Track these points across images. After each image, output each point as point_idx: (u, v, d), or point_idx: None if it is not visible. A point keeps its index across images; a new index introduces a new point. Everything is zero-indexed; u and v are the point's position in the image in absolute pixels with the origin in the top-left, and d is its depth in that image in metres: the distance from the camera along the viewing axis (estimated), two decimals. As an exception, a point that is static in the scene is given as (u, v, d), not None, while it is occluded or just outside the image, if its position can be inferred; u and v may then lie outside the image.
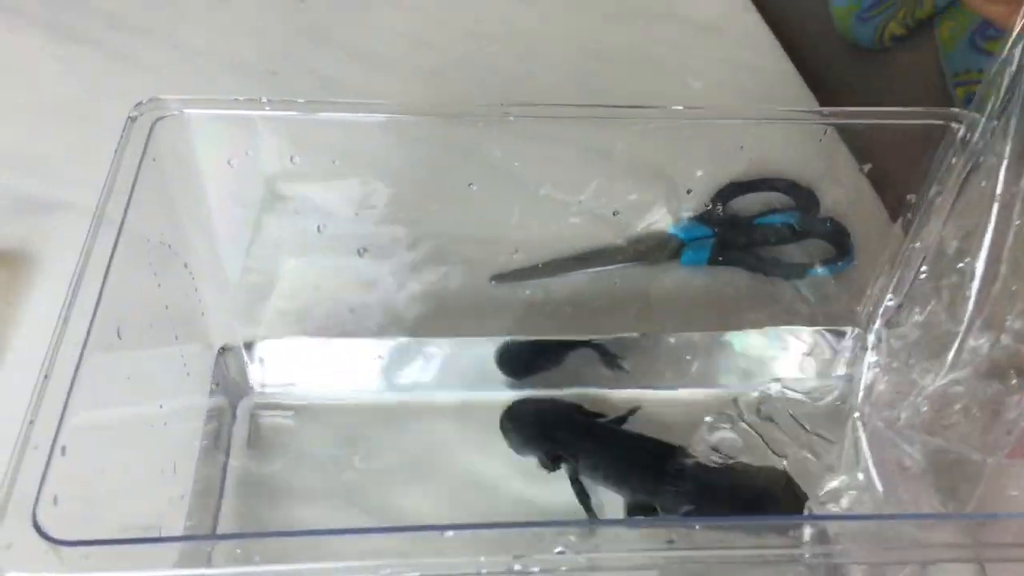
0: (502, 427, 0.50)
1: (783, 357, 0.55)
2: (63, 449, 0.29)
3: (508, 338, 0.54)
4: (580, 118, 0.45)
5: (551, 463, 0.49)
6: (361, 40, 0.80)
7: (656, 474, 0.47)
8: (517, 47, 0.80)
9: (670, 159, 0.52)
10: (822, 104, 0.78)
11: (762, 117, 0.45)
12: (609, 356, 0.54)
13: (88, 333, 0.32)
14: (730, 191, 0.64)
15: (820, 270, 0.60)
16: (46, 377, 0.31)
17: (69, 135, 0.66)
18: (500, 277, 0.56)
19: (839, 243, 0.63)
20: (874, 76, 0.88)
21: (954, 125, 0.45)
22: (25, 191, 0.62)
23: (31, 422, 0.29)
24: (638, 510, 0.47)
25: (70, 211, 0.60)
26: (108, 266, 0.34)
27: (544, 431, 0.50)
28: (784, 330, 0.55)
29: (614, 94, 0.76)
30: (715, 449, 0.49)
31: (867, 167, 0.48)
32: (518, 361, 0.54)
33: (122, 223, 0.36)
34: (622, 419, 0.52)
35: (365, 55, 0.78)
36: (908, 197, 0.47)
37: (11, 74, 0.72)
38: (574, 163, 0.51)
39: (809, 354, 0.55)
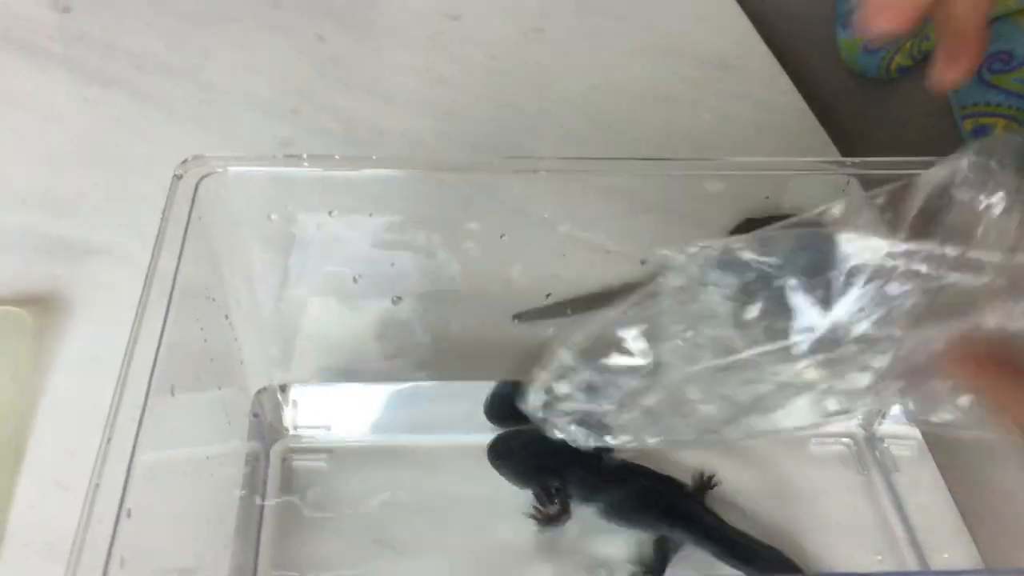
0: (492, 464, 0.51)
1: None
2: (129, 512, 0.30)
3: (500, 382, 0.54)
4: (608, 172, 0.46)
5: (547, 497, 0.49)
6: (380, 77, 0.81)
7: (667, 509, 0.48)
8: (532, 83, 0.82)
9: (694, 204, 0.53)
10: (832, 136, 0.79)
11: (788, 169, 0.47)
12: None
13: (147, 394, 0.33)
14: (746, 228, 0.66)
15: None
16: (108, 440, 0.32)
17: (98, 176, 0.67)
18: (522, 316, 0.57)
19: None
20: (882, 107, 0.89)
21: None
22: (56, 233, 0.63)
23: (97, 485, 0.31)
24: (664, 545, 0.49)
25: (101, 253, 0.62)
26: (163, 327, 0.35)
27: (534, 463, 0.50)
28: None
29: (628, 129, 0.78)
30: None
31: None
32: (508, 407, 0.54)
33: (174, 282, 0.37)
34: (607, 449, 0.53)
35: (384, 92, 0.79)
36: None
37: (40, 115, 0.73)
38: (598, 204, 0.53)
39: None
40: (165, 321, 0.36)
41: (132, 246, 0.62)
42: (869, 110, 0.89)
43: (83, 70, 0.78)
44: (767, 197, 0.49)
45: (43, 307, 0.58)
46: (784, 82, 0.84)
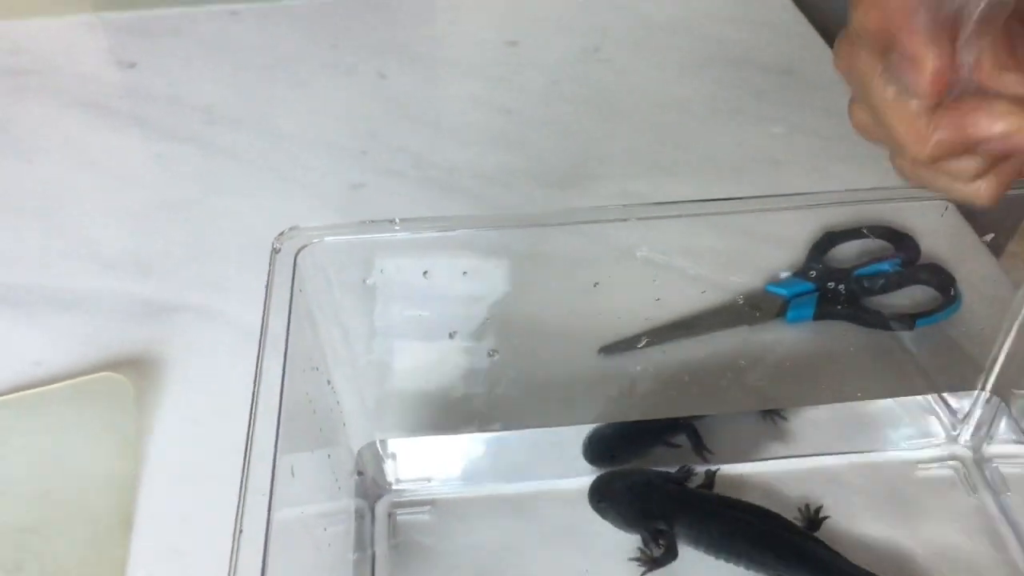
0: (595, 508, 0.50)
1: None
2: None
3: (597, 424, 0.54)
4: (697, 215, 0.46)
5: (653, 540, 0.49)
6: (443, 112, 0.81)
7: (780, 548, 0.47)
8: (595, 106, 0.82)
9: (776, 226, 0.53)
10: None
11: (881, 199, 0.46)
12: (698, 441, 0.54)
13: (271, 486, 0.33)
14: (827, 241, 0.65)
15: (928, 319, 0.60)
16: (241, 532, 0.32)
17: (178, 234, 0.69)
18: (607, 349, 0.57)
19: (944, 289, 0.63)
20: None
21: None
22: (144, 294, 0.64)
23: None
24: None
25: (190, 312, 0.63)
26: (279, 407, 0.36)
27: (641, 507, 0.50)
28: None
29: (697, 146, 0.77)
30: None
31: (989, 237, 0.49)
32: (606, 449, 0.54)
33: (284, 358, 0.38)
34: (711, 483, 0.52)
35: (448, 127, 0.80)
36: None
37: (115, 175, 0.75)
38: (676, 230, 0.52)
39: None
40: (281, 398, 0.36)
41: (220, 303, 0.63)
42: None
43: (153, 126, 0.79)
44: (865, 231, 0.49)
45: (138, 370, 0.59)
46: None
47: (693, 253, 0.56)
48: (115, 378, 0.57)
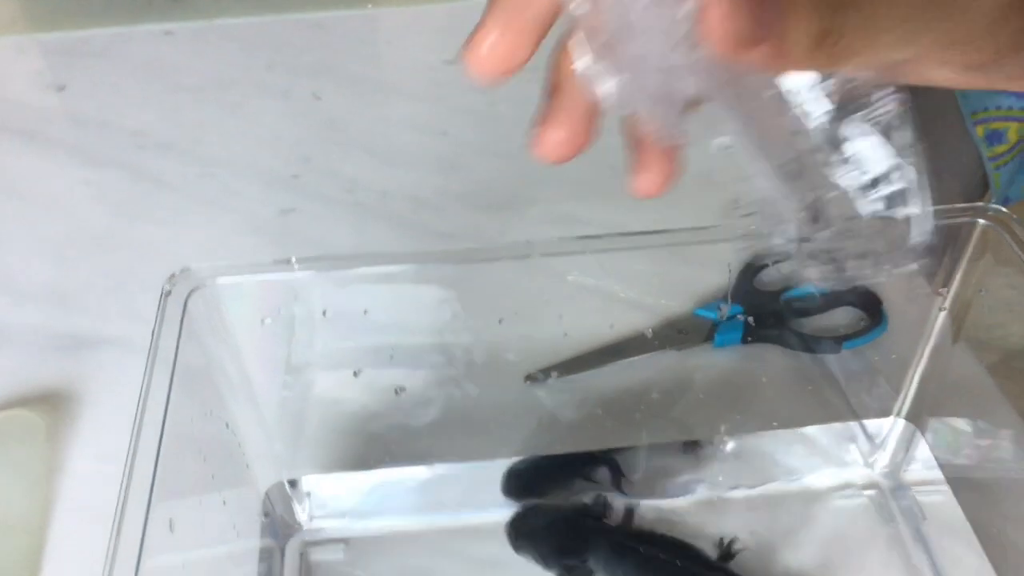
0: (513, 545, 0.50)
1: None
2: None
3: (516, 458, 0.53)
4: (613, 250, 0.45)
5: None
6: (378, 135, 0.81)
7: None
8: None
9: (711, 256, 0.52)
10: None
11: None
12: (618, 474, 0.54)
13: (143, 532, 0.33)
14: (754, 267, 0.65)
15: (855, 341, 0.60)
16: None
17: (103, 266, 0.67)
18: (532, 377, 0.56)
19: (870, 310, 0.63)
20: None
21: (981, 222, 0.45)
22: (62, 327, 0.63)
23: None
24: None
25: (108, 346, 0.61)
26: (157, 457, 0.35)
27: (557, 543, 0.49)
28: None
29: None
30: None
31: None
32: (524, 483, 0.53)
33: (167, 404, 0.37)
34: (629, 517, 0.52)
35: (383, 150, 0.79)
36: (940, 291, 0.48)
37: (38, 203, 0.73)
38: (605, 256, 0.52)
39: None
40: (160, 446, 0.35)
41: (141, 336, 0.60)
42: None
43: (82, 152, 0.78)
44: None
45: (52, 406, 0.58)
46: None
47: (623, 277, 0.55)
48: (26, 415, 0.56)
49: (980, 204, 0.45)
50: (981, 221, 0.45)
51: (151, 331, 0.40)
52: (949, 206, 0.46)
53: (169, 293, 0.41)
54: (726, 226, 0.47)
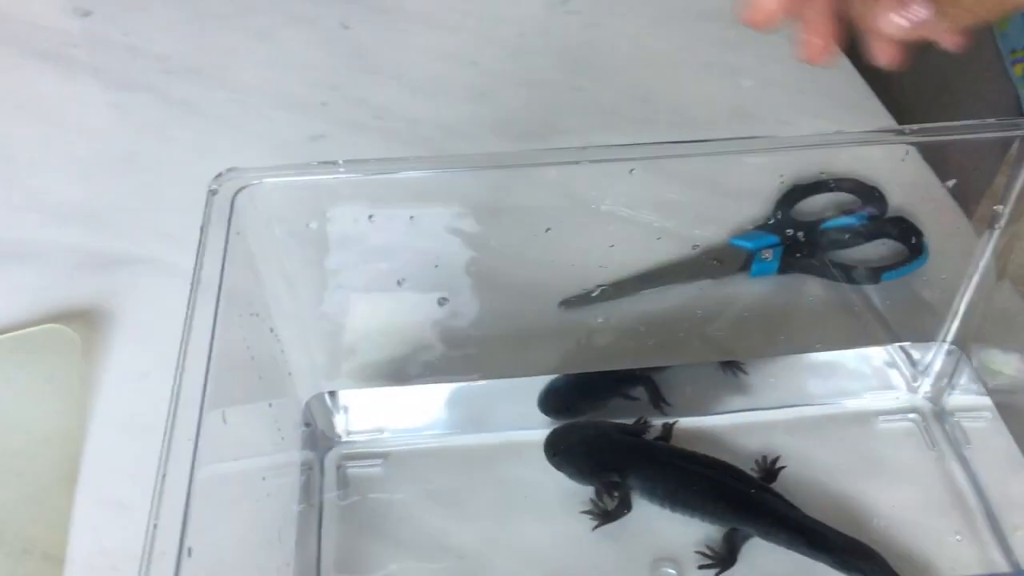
0: (551, 461, 0.49)
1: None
2: (189, 551, 0.29)
3: (554, 376, 0.53)
4: (650, 157, 0.44)
5: (607, 493, 0.48)
6: (407, 64, 0.80)
7: (734, 500, 0.47)
8: (563, 59, 0.80)
9: (741, 178, 0.52)
10: (878, 93, 0.76)
11: (842, 143, 0.45)
12: (656, 393, 0.53)
13: (198, 428, 0.32)
14: (794, 195, 0.64)
15: (894, 272, 0.59)
16: (163, 477, 0.31)
17: (133, 186, 0.67)
18: (568, 303, 0.56)
19: (910, 242, 0.62)
20: (928, 59, 0.86)
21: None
22: (94, 246, 0.63)
23: (155, 526, 0.30)
24: (733, 536, 0.47)
25: (141, 264, 0.61)
26: (209, 351, 0.35)
27: (595, 459, 0.49)
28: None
29: (666, 100, 0.76)
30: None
31: (951, 183, 0.48)
32: (562, 401, 0.53)
33: (216, 305, 0.36)
34: (667, 436, 0.51)
35: (412, 79, 0.78)
36: (995, 208, 0.47)
37: (69, 126, 0.73)
38: (643, 184, 0.51)
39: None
40: (211, 345, 0.35)
41: (172, 255, 0.61)
42: (915, 62, 0.86)
43: (108, 76, 0.77)
44: (822, 173, 0.47)
45: (87, 323, 0.58)
46: (824, 39, 0.81)
47: (658, 206, 0.54)
48: (61, 330, 0.56)
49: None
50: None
51: (199, 229, 0.39)
52: (997, 119, 0.45)
53: (216, 192, 0.40)
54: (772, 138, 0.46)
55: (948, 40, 0.37)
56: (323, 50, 0.80)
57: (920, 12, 0.35)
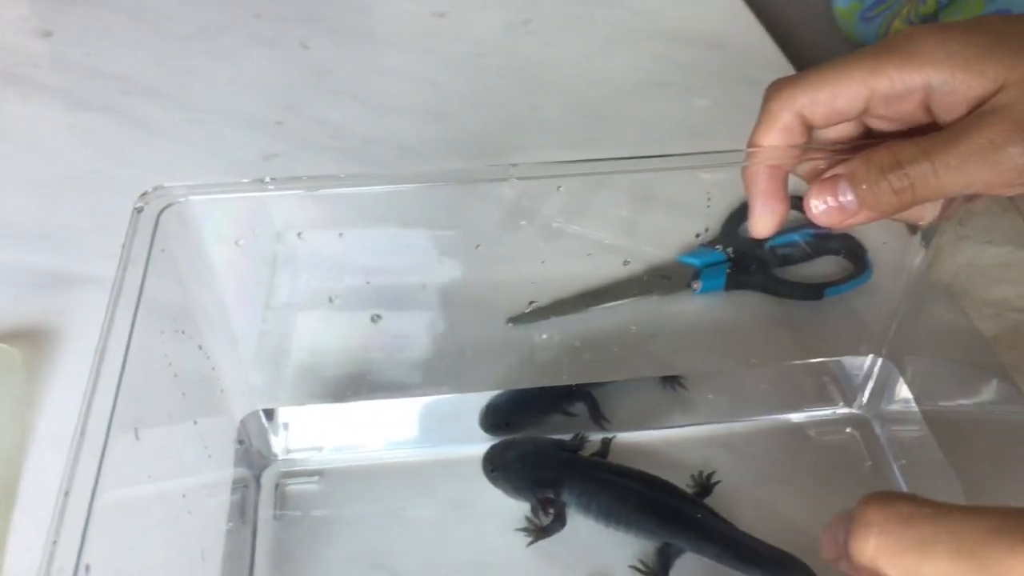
0: (488, 477, 0.49)
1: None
2: (87, 568, 0.30)
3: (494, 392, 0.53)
4: (588, 174, 0.45)
5: (543, 509, 0.48)
6: (366, 83, 0.80)
7: (667, 515, 0.47)
8: (522, 78, 0.81)
9: (688, 193, 0.52)
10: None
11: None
12: (595, 408, 0.54)
13: (105, 444, 0.32)
14: (741, 213, 0.64)
15: (837, 288, 0.60)
16: (66, 494, 0.31)
17: (87, 206, 0.67)
18: (516, 319, 0.56)
19: (855, 258, 0.63)
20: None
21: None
22: (45, 265, 0.63)
23: (54, 543, 0.30)
24: (666, 551, 0.47)
25: (90, 284, 0.61)
26: (122, 369, 0.35)
27: (531, 475, 0.49)
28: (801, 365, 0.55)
29: (621, 119, 0.76)
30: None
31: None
32: (501, 417, 0.53)
33: (133, 321, 0.36)
34: (605, 451, 0.52)
35: (371, 98, 0.78)
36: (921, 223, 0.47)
37: (27, 145, 0.73)
38: (583, 197, 0.51)
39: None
40: (124, 362, 0.35)
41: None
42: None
43: (68, 96, 0.77)
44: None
45: (32, 342, 0.58)
46: (779, 58, 0.82)
47: (607, 223, 0.55)
48: (4, 349, 0.56)
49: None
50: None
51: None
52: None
53: (141, 210, 0.41)
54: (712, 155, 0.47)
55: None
56: (282, 70, 0.81)
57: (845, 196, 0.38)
